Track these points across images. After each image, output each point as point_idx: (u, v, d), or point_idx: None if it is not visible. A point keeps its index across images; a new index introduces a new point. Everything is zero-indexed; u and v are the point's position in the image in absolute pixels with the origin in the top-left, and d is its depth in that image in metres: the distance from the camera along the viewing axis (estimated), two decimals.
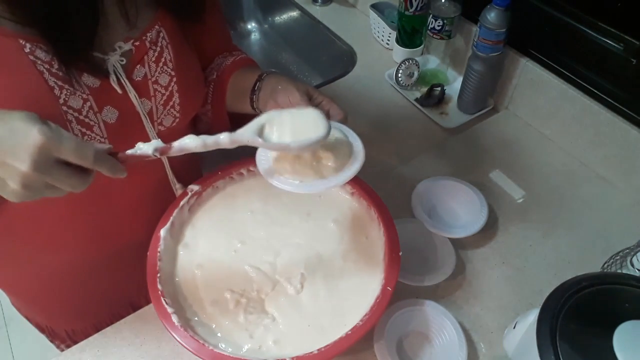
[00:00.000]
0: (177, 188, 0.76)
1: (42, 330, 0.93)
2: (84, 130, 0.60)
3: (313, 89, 0.68)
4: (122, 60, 0.61)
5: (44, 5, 0.52)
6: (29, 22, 0.53)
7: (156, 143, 0.51)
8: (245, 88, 0.72)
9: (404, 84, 1.09)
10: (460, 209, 0.84)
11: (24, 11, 0.52)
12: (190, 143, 0.52)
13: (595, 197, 0.89)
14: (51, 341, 0.95)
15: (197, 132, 0.54)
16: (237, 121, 0.68)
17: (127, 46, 0.61)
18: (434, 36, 1.05)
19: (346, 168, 0.59)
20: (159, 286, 0.64)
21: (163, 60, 0.64)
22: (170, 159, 0.71)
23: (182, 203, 0.73)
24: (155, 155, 0.51)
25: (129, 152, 0.50)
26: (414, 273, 0.74)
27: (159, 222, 0.71)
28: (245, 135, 0.53)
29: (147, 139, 0.66)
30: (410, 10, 1.07)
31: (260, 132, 0.54)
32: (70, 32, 0.55)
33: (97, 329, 0.90)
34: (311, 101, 0.65)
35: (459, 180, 0.85)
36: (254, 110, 0.72)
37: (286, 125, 0.55)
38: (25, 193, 0.45)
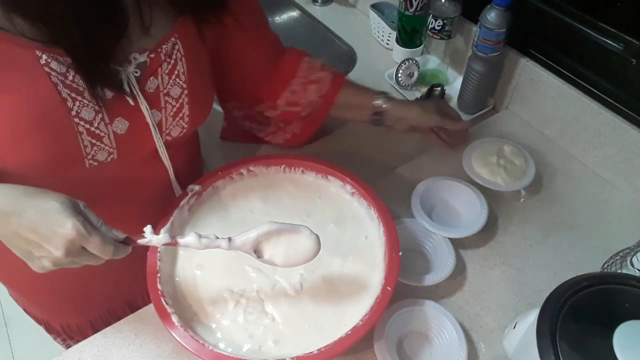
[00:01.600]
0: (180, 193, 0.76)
1: (38, 322, 0.93)
2: (93, 141, 0.60)
3: (445, 122, 0.84)
4: (137, 72, 0.60)
5: (72, 21, 0.52)
6: (55, 39, 0.53)
7: (165, 239, 0.58)
8: (356, 109, 0.86)
9: (404, 84, 1.09)
10: (460, 209, 0.84)
11: (51, 29, 0.52)
12: (192, 242, 0.58)
13: (595, 197, 0.88)
14: (48, 333, 0.95)
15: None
16: None
17: (142, 58, 0.60)
18: (434, 36, 1.05)
19: (528, 170, 0.87)
20: (159, 286, 0.64)
21: (176, 72, 0.64)
22: (173, 161, 0.72)
23: (182, 203, 0.73)
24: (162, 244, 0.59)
25: (140, 242, 0.58)
26: (414, 273, 0.74)
27: (159, 222, 0.71)
28: (243, 247, 0.60)
29: (154, 149, 0.67)
30: (410, 10, 1.07)
31: (257, 244, 0.60)
32: (95, 46, 0.55)
33: (93, 325, 0.90)
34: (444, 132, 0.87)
35: (459, 180, 0.85)
36: (377, 125, 0.86)
37: (281, 247, 0.60)
38: (53, 269, 0.54)
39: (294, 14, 1.43)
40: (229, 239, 0.59)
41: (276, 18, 1.52)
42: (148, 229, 0.58)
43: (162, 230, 0.69)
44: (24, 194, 0.52)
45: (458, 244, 0.80)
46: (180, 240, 0.58)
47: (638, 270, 0.65)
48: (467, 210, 0.83)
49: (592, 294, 0.55)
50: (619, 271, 0.67)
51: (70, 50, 0.54)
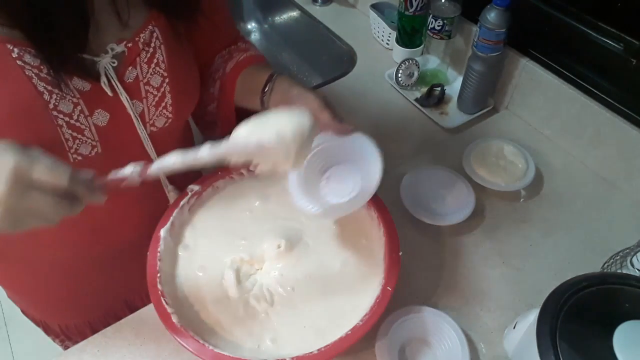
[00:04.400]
0: (170, 190, 0.76)
1: (37, 323, 0.93)
2: (74, 134, 0.59)
3: (328, 103, 0.63)
4: (114, 62, 0.60)
5: (30, 9, 0.51)
6: (15, 25, 0.52)
7: (133, 166, 0.51)
8: (255, 88, 0.70)
9: (404, 84, 1.09)
10: (447, 197, 0.86)
11: (9, 15, 0.51)
12: (169, 160, 0.51)
13: (595, 197, 0.88)
14: (47, 334, 0.95)
15: (201, 132, 0.53)
16: (245, 116, 0.65)
17: (119, 48, 0.60)
18: (434, 36, 1.05)
19: (528, 170, 0.88)
20: (159, 286, 0.64)
21: (155, 61, 0.63)
22: (161, 155, 0.71)
23: (182, 203, 0.73)
24: (137, 177, 0.51)
25: (109, 177, 0.50)
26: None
27: (159, 222, 0.71)
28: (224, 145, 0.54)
29: (138, 141, 0.66)
30: (410, 10, 1.07)
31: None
32: (58, 36, 0.54)
33: (91, 325, 0.89)
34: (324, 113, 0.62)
35: (443, 169, 0.88)
36: (265, 110, 0.68)
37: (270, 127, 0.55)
38: (9, 218, 0.44)
39: (294, 14, 1.43)
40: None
41: (276, 18, 1.52)
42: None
43: (162, 231, 0.69)
44: None
45: (457, 245, 0.80)
46: (154, 165, 0.51)
47: (638, 270, 0.65)
48: (455, 197, 0.85)
49: (592, 294, 0.55)
50: (619, 271, 0.67)
51: (34, 40, 0.53)
